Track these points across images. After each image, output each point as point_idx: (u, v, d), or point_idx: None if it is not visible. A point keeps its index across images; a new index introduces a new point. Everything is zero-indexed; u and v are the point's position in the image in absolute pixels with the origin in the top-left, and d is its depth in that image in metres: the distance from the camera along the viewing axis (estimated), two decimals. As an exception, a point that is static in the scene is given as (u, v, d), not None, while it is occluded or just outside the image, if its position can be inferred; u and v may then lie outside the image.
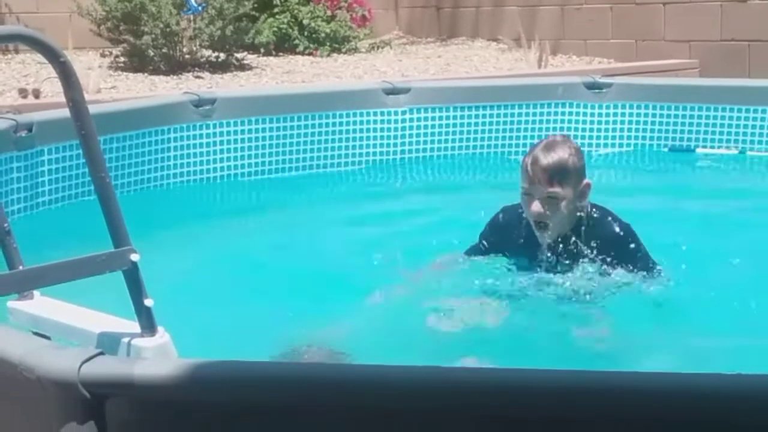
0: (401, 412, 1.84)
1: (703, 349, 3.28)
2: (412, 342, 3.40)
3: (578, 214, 3.60)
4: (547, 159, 3.45)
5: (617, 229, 3.62)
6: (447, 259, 3.90)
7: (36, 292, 2.50)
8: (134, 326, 2.29)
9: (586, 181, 3.56)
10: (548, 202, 3.46)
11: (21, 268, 2.41)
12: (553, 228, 3.53)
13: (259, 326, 3.46)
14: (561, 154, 3.47)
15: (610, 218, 3.64)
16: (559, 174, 3.44)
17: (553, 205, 3.47)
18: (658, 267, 3.70)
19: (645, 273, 3.68)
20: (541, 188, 3.45)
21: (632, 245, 3.65)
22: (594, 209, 3.65)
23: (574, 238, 3.63)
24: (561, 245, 3.64)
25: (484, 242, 3.81)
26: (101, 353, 1.95)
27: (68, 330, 2.37)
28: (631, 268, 3.67)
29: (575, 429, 1.80)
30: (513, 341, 3.44)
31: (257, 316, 3.57)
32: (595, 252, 3.63)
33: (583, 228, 3.61)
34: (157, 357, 2.21)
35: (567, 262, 3.67)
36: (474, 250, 3.84)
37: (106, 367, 1.92)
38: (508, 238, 3.74)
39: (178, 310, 3.15)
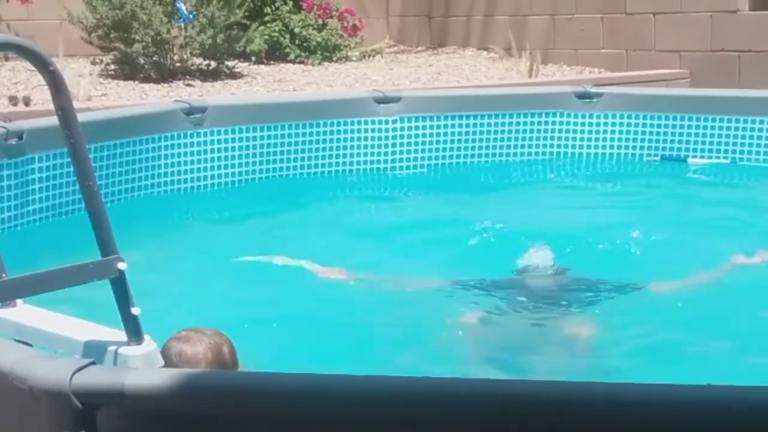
0: (398, 422, 1.84)
1: (690, 355, 3.29)
2: (408, 348, 3.40)
3: None
4: None
5: None
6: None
7: (19, 300, 2.48)
8: (120, 334, 2.28)
9: None
10: None
11: (4, 276, 2.39)
12: None
13: (249, 334, 3.45)
14: None
15: None
16: None
17: None
18: None
19: None
20: None
21: None
22: None
23: None
24: None
25: None
26: (93, 363, 1.95)
27: (53, 338, 2.35)
28: None
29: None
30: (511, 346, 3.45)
31: (246, 324, 3.56)
32: None
33: None
34: (144, 365, 2.20)
35: None
36: None
37: (98, 377, 1.91)
38: None
39: (166, 318, 3.14)
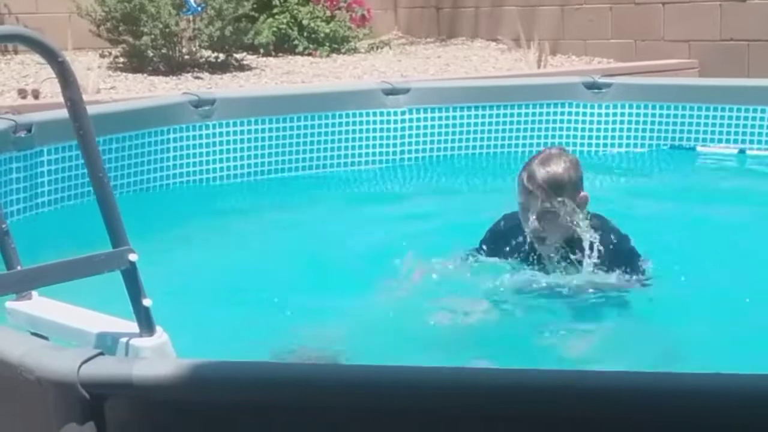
0: (401, 412, 1.84)
1: (697, 348, 3.28)
2: (413, 342, 3.40)
3: (577, 224, 3.58)
4: (543, 173, 3.44)
5: (614, 239, 3.61)
6: (450, 260, 3.89)
7: (34, 293, 2.50)
8: (132, 326, 2.29)
9: (583, 193, 3.54)
10: (545, 217, 3.46)
11: (19, 268, 2.41)
12: (551, 241, 3.55)
13: (259, 326, 3.46)
14: (556, 168, 3.46)
15: (606, 226, 3.63)
16: (556, 188, 3.43)
17: (550, 219, 3.47)
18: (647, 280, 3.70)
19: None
20: (538, 203, 3.44)
21: (628, 253, 3.63)
22: (593, 219, 3.63)
23: (573, 249, 3.62)
24: (560, 255, 3.64)
25: (484, 247, 3.81)
26: (101, 353, 1.95)
27: (66, 330, 2.37)
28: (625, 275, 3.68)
29: (573, 429, 1.80)
30: (508, 340, 3.45)
31: (256, 316, 3.57)
32: (593, 262, 3.61)
33: (581, 238, 3.58)
34: (156, 357, 2.21)
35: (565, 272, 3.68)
36: (470, 253, 3.85)
37: (106, 368, 1.92)
38: (508, 245, 3.74)
39: (177, 310, 3.14)
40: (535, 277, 3.66)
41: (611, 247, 3.59)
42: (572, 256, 3.61)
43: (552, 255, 3.63)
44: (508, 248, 3.74)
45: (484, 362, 3.07)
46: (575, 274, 3.64)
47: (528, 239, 3.63)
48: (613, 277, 3.61)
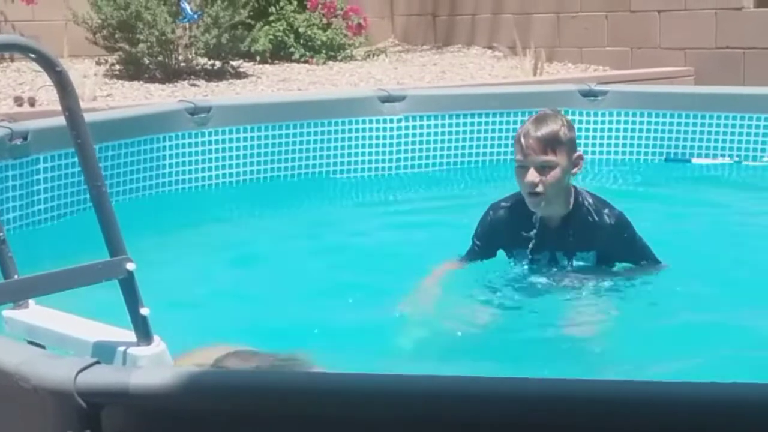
0: (391, 421, 1.84)
1: (694, 354, 3.28)
2: (409, 349, 3.41)
3: (571, 199, 3.69)
4: (539, 129, 3.60)
5: (610, 219, 3.73)
6: (444, 267, 3.91)
7: (31, 301, 2.49)
8: (130, 335, 2.28)
9: (578, 152, 3.68)
10: (542, 172, 3.57)
11: (16, 277, 2.41)
12: (547, 198, 3.61)
13: (256, 334, 3.46)
14: (552, 125, 3.62)
15: (604, 207, 3.74)
16: (552, 143, 3.57)
17: (546, 174, 3.57)
18: (654, 258, 3.82)
19: (641, 264, 3.80)
20: (535, 157, 3.56)
21: (626, 234, 3.76)
22: (588, 197, 3.75)
23: (568, 228, 3.71)
24: (554, 234, 3.71)
25: (478, 242, 3.86)
26: (97, 362, 1.95)
27: (64, 339, 2.36)
28: (628, 261, 3.79)
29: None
30: (507, 346, 3.45)
31: (253, 324, 3.57)
32: (588, 240, 3.72)
33: (576, 215, 3.70)
34: (154, 366, 2.21)
35: (561, 252, 3.74)
36: (470, 254, 3.88)
37: (103, 377, 1.91)
38: (500, 233, 3.82)
39: (174, 318, 3.14)
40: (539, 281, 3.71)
41: (608, 227, 3.71)
42: (573, 235, 3.69)
43: (545, 231, 3.68)
44: (502, 236, 3.81)
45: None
46: (582, 276, 3.69)
47: (525, 222, 3.70)
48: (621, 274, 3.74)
